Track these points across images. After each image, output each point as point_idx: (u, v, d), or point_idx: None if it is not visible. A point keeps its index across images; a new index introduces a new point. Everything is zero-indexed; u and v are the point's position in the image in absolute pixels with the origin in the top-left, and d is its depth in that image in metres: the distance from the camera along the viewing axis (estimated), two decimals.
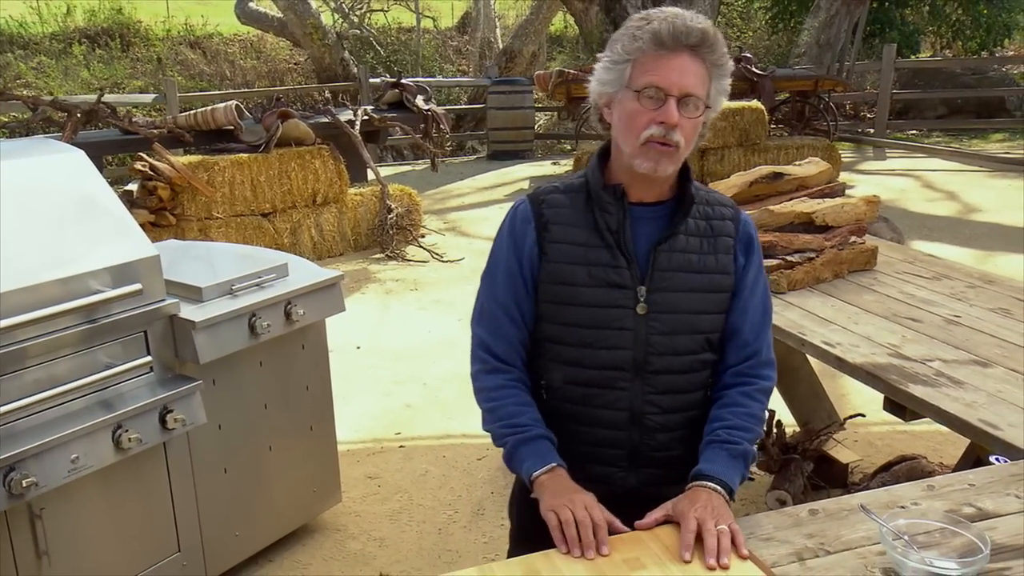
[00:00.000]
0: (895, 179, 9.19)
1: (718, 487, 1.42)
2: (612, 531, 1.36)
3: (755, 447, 1.53)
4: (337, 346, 4.30)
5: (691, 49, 1.39)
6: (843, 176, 8.71)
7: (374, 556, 2.93)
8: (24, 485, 1.94)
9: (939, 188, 8.76)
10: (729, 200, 1.59)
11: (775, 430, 3.13)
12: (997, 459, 1.79)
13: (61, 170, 2.28)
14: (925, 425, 3.31)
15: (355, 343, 4.88)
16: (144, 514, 2.37)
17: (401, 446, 3.73)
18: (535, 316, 1.54)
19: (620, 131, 1.46)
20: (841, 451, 3.20)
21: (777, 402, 3.34)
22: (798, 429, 3.32)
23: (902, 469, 2.83)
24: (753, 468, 3.23)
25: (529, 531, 1.47)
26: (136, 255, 2.24)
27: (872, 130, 11.68)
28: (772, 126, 9.51)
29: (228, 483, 2.62)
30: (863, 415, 3.29)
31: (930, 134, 12.18)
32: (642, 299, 1.47)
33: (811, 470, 3.07)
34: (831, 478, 3.13)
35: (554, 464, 1.45)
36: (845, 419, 3.27)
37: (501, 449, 1.54)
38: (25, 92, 10.14)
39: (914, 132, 12.23)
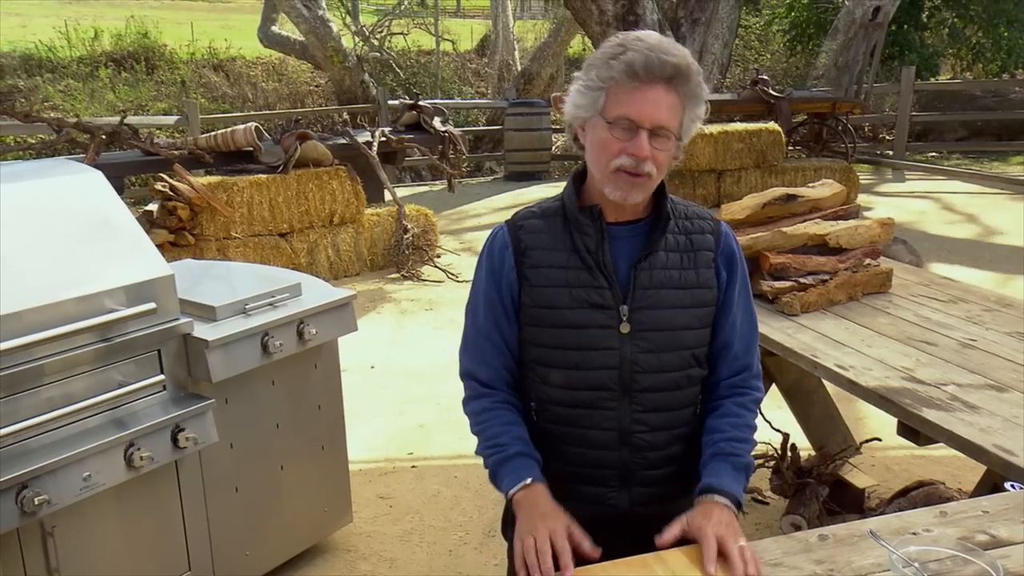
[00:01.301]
0: (914, 201, 9.13)
1: (728, 502, 1.42)
2: (582, 557, 1.35)
3: (753, 458, 1.54)
4: (351, 365, 4.31)
5: (665, 81, 1.39)
6: (862, 198, 8.67)
7: None
8: (36, 503, 1.95)
9: (959, 211, 8.69)
10: (708, 213, 1.59)
11: (790, 454, 3.09)
12: (1012, 485, 1.76)
13: (78, 190, 2.31)
14: (943, 450, 3.26)
15: (369, 362, 4.89)
16: (155, 532, 2.38)
17: (413, 466, 3.72)
18: (520, 340, 1.55)
19: (592, 157, 1.47)
20: (857, 476, 3.15)
21: (792, 425, 3.31)
22: (813, 453, 3.28)
23: (919, 495, 2.79)
24: (767, 492, 3.21)
25: None
26: (151, 274, 2.26)
27: (891, 152, 11.63)
28: (790, 148, 9.48)
29: (239, 502, 2.63)
30: (879, 439, 3.25)
31: (950, 156, 12.11)
32: (625, 318, 1.47)
33: (826, 495, 3.03)
34: (847, 503, 3.08)
35: (529, 480, 1.45)
36: (861, 443, 3.23)
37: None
38: (53, 114, 10.35)
39: (934, 154, 12.15)
